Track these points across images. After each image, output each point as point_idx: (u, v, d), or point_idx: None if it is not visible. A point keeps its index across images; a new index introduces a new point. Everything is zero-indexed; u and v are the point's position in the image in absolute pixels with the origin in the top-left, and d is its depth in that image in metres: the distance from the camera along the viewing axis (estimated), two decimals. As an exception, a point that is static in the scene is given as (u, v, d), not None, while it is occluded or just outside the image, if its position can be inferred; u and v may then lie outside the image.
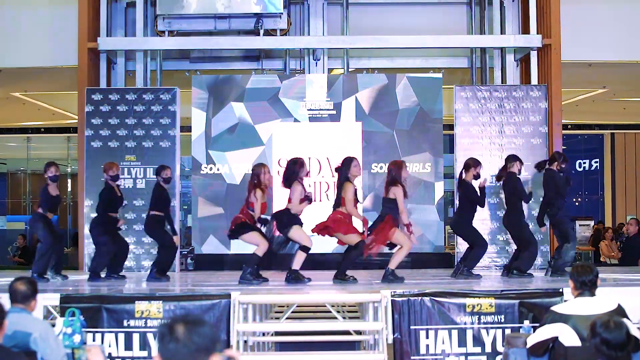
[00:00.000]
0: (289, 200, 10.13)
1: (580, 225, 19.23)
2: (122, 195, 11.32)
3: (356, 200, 10.14)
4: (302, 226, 10.05)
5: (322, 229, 10.11)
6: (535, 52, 13.42)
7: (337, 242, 10.35)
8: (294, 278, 9.89)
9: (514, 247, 11.45)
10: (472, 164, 10.91)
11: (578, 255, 16.67)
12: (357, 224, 10.22)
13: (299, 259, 9.98)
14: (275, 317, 9.78)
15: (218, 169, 13.34)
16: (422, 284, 9.29)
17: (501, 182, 11.20)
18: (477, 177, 10.86)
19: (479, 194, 10.81)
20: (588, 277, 6.06)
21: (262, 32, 13.30)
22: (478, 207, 10.90)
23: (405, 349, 8.08)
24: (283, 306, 9.74)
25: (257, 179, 10.15)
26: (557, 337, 5.87)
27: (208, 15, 13.42)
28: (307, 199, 10.07)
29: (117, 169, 11.18)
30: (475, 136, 12.94)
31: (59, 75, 15.17)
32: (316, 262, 11.58)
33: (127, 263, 12.53)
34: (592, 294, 6.06)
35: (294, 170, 10.13)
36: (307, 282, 9.85)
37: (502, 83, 14.00)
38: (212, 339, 3.06)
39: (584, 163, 26.04)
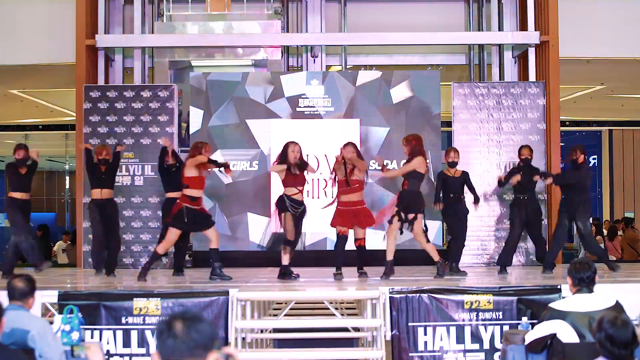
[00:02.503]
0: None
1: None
2: (106, 175, 11.13)
3: (344, 182, 10.30)
4: (297, 217, 10.08)
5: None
6: (533, 48, 13.45)
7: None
8: (283, 274, 9.99)
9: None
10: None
11: (576, 252, 16.67)
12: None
13: (284, 254, 10.05)
14: (273, 314, 9.78)
15: (216, 166, 13.31)
16: (420, 281, 9.30)
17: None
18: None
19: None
20: (586, 273, 6.06)
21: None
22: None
23: (404, 346, 8.10)
24: (281, 303, 9.75)
25: (197, 153, 9.98)
26: (555, 334, 5.88)
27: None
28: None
29: (106, 153, 11.13)
30: (473, 133, 12.96)
31: (57, 73, 15.16)
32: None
33: (125, 260, 12.55)
34: (590, 291, 6.06)
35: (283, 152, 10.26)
36: (295, 279, 9.95)
37: (500, 80, 14.01)
38: (211, 335, 3.06)
39: (582, 160, 26.02)
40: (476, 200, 11.29)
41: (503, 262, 11.03)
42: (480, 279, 10.34)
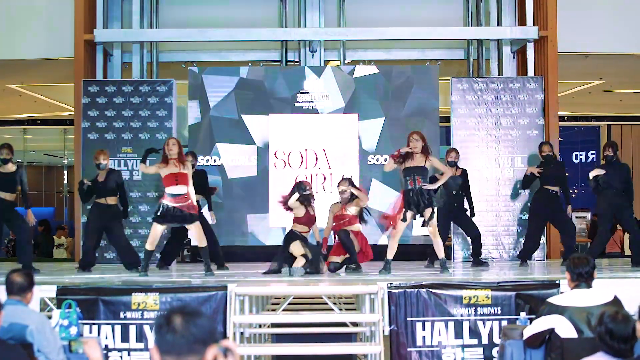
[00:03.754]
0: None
1: (576, 217, 19.26)
2: (103, 185, 10.80)
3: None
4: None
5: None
6: (532, 43, 13.44)
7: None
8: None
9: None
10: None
11: (574, 247, 16.71)
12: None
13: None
14: (271, 309, 9.77)
15: (215, 161, 13.31)
16: (419, 276, 9.29)
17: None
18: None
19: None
20: (584, 268, 6.06)
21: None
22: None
23: (402, 341, 8.09)
24: (279, 298, 9.75)
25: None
26: (553, 329, 5.88)
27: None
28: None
29: (104, 158, 10.84)
30: (471, 128, 12.95)
31: (55, 67, 15.13)
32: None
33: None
34: (589, 286, 6.06)
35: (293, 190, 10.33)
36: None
37: (498, 75, 14.00)
38: (210, 330, 3.05)
39: (581, 155, 26.00)
40: (471, 213, 11.44)
41: (521, 256, 11.41)
42: (479, 274, 10.33)
